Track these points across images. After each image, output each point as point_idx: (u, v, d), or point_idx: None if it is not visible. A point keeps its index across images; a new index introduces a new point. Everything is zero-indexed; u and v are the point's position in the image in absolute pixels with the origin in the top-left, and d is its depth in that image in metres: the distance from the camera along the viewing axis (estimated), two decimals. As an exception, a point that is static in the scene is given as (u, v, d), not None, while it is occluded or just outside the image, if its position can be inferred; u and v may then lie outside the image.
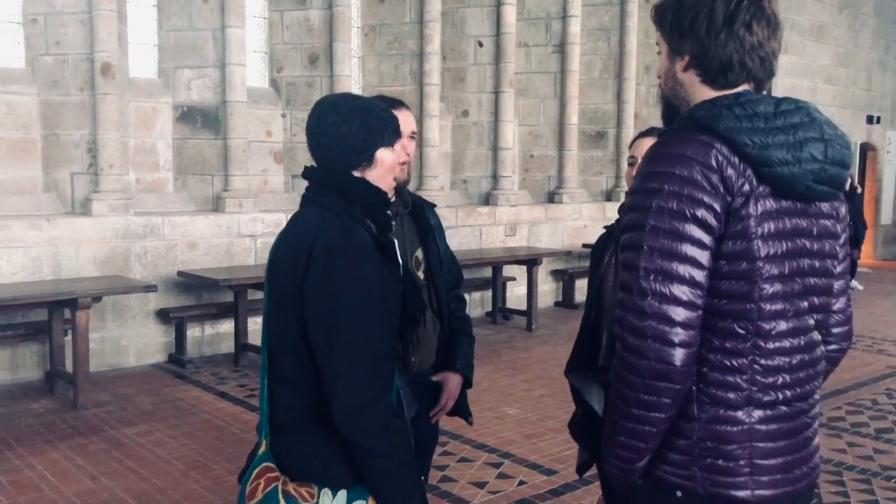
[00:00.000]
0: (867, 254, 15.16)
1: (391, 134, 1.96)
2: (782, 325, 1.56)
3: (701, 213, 1.48)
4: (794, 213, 1.56)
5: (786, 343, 1.57)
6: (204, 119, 7.56)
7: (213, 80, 7.52)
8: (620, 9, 10.82)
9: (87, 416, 5.49)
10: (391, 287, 1.88)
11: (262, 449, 1.89)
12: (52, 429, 5.22)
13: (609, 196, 11.11)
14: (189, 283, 7.01)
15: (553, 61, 10.40)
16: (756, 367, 1.55)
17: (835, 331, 1.78)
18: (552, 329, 8.57)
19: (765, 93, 1.66)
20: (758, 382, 1.56)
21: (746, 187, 1.50)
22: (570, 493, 4.24)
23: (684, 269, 1.48)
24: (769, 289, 1.53)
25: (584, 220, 10.50)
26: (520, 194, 10.21)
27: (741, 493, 1.57)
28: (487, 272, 9.13)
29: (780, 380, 1.57)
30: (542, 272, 9.76)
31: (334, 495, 1.79)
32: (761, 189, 1.52)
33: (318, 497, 1.78)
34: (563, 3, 10.18)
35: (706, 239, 1.49)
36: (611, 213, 10.99)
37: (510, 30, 9.58)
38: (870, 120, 15.85)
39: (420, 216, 2.78)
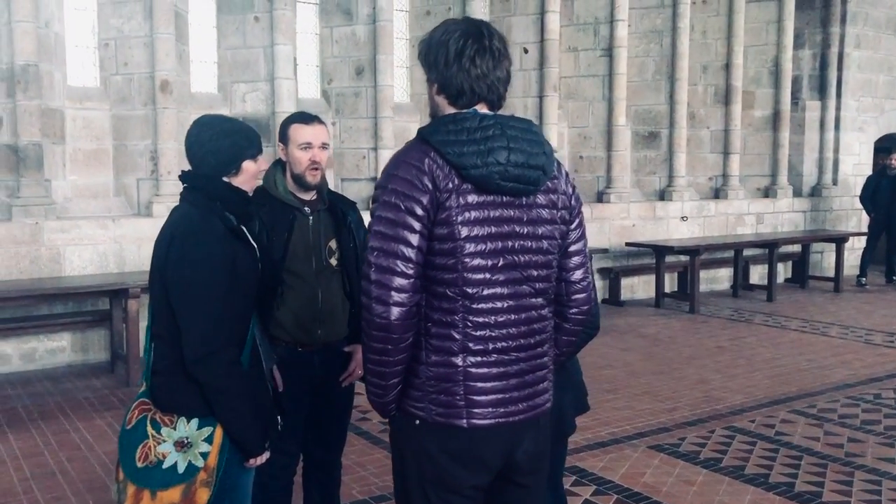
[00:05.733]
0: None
1: (255, 150, 2.49)
2: (486, 291, 1.97)
3: (411, 205, 1.91)
4: (501, 204, 1.98)
5: (490, 305, 1.98)
6: (257, 128, 8.26)
7: (265, 93, 8.27)
8: (672, 11, 10.94)
9: (136, 391, 6.26)
10: (244, 264, 2.39)
11: (143, 389, 2.45)
12: (103, 402, 6.02)
13: (662, 195, 11.25)
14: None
15: (601, 65, 10.68)
16: (467, 322, 1.97)
17: (574, 297, 2.18)
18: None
19: (496, 111, 2.08)
20: (469, 335, 1.98)
21: (450, 185, 1.93)
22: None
23: (398, 248, 1.92)
24: (470, 262, 1.95)
25: (632, 219, 10.72)
26: (567, 194, 10.51)
27: (459, 422, 1.99)
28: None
29: (488, 333, 1.99)
30: (587, 270, 10.00)
31: (189, 421, 2.33)
32: (465, 186, 1.94)
33: (176, 422, 2.33)
34: (611, 8, 10.45)
35: (416, 225, 1.92)
36: (661, 212, 11.12)
37: (553, 36, 9.96)
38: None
39: (336, 212, 3.28)
